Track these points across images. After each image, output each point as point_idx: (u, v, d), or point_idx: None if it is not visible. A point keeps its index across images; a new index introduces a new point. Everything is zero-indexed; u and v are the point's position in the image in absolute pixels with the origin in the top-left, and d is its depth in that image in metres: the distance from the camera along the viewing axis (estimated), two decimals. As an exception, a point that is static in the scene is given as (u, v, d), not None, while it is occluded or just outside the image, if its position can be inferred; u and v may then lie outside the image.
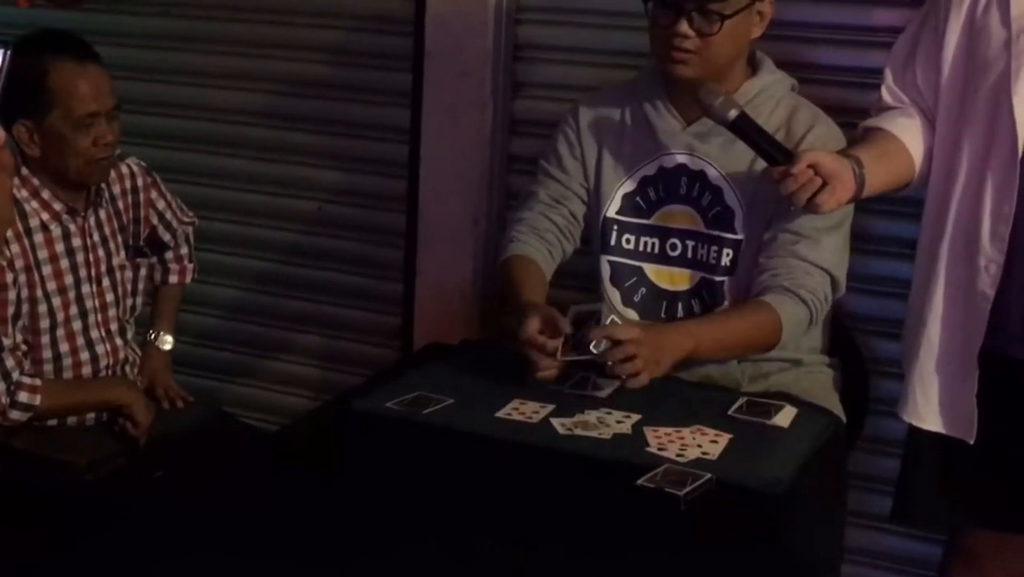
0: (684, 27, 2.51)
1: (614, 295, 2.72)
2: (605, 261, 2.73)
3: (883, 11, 2.90)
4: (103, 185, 2.81)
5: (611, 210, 2.71)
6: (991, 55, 2.35)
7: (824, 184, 2.37)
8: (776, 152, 2.43)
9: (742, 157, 2.59)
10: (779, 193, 2.41)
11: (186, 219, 3.06)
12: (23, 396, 2.61)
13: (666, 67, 2.58)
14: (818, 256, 2.56)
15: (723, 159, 2.62)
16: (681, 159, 2.65)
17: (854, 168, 2.41)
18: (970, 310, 2.39)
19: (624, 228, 2.71)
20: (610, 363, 2.34)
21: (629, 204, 2.70)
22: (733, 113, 2.44)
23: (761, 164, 2.51)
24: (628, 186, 2.71)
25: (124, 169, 2.89)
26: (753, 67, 2.67)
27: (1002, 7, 2.34)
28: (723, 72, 2.58)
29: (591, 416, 2.38)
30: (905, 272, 2.71)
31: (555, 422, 2.35)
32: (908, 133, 2.51)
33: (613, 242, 2.71)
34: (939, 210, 2.45)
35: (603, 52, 3.21)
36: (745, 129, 2.45)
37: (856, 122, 2.64)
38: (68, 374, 2.75)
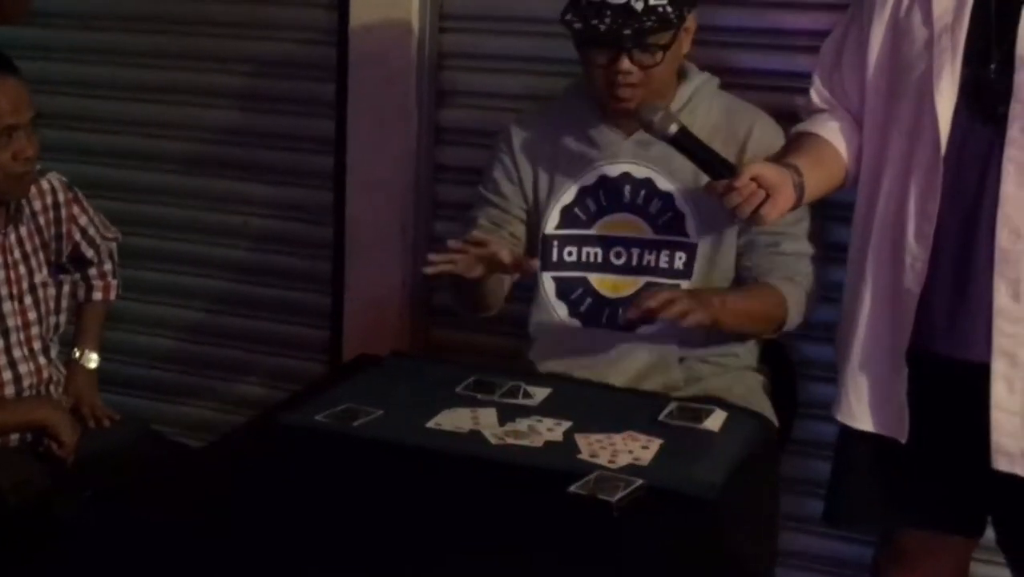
0: (626, 64, 2.54)
1: (561, 309, 2.72)
2: (548, 278, 2.73)
3: (811, 15, 2.92)
4: (23, 201, 2.77)
5: (550, 226, 2.72)
6: (914, 55, 2.37)
7: (767, 196, 2.40)
8: (718, 165, 2.45)
9: (685, 161, 2.58)
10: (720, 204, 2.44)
11: (109, 235, 3.02)
12: (-56, 418, 2.57)
13: (608, 104, 2.61)
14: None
15: (669, 165, 2.64)
16: (625, 167, 2.67)
17: (793, 178, 2.45)
18: (897, 308, 2.41)
19: (565, 241, 2.71)
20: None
21: (568, 217, 2.71)
22: (673, 128, 2.46)
23: None
24: (566, 199, 2.71)
25: (45, 185, 2.84)
26: (680, 74, 2.69)
27: (924, 8, 2.37)
28: (663, 90, 2.61)
29: (522, 424, 2.37)
30: (834, 276, 2.72)
31: (486, 431, 2.34)
32: (838, 136, 2.54)
33: (555, 257, 2.71)
34: (867, 210, 2.48)
35: (528, 60, 3.21)
36: (686, 144, 2.47)
37: (786, 127, 2.67)
38: (-10, 394, 2.70)
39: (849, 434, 2.54)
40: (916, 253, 2.37)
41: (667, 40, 2.54)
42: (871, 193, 2.47)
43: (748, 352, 2.73)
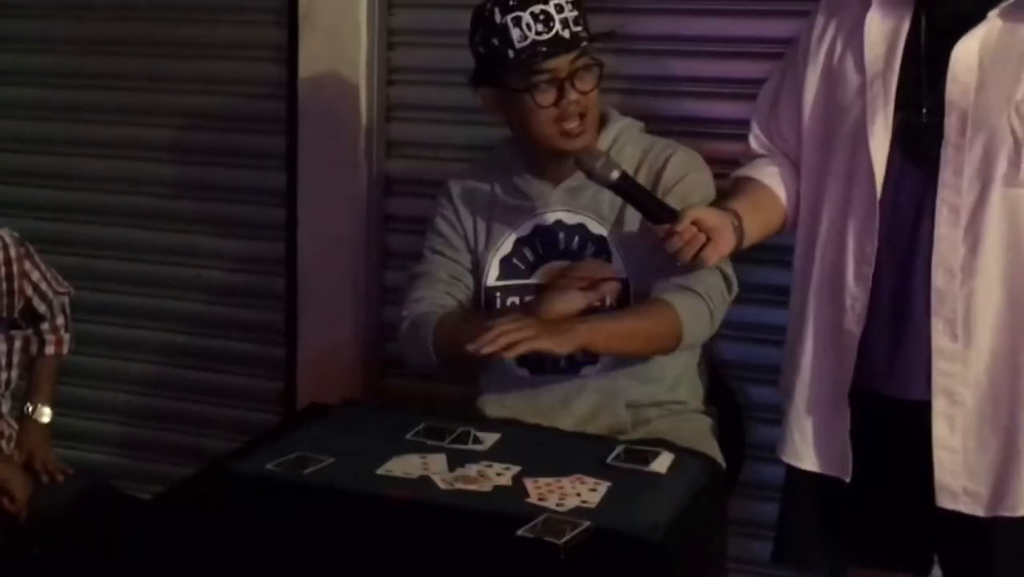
0: (572, 94, 2.57)
1: (507, 359, 2.74)
2: None
3: (749, 63, 2.97)
4: (-26, 258, 2.78)
5: (491, 279, 2.74)
6: (847, 101, 2.41)
7: (708, 240, 2.43)
8: (658, 210, 2.48)
9: (614, 202, 2.64)
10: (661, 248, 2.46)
11: (61, 289, 3.03)
12: None
13: (562, 144, 2.62)
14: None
15: (598, 209, 2.67)
16: (557, 215, 2.70)
17: (732, 221, 2.47)
18: (839, 348, 2.44)
19: (507, 292, 2.73)
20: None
21: (507, 268, 2.73)
22: (615, 174, 2.48)
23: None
24: (504, 250, 2.74)
25: (-4, 240, 2.86)
26: (602, 119, 2.72)
27: (856, 54, 2.41)
28: (595, 128, 2.64)
29: (471, 469, 2.38)
30: (777, 318, 2.75)
31: (435, 477, 2.35)
32: (776, 180, 2.58)
33: (498, 307, 2.73)
34: (807, 253, 2.51)
35: (475, 111, 3.21)
36: (627, 189, 2.50)
37: (727, 173, 2.71)
38: (-58, 450, 2.70)
39: (795, 474, 2.55)
40: (856, 295, 2.40)
41: (594, 59, 2.59)
42: (810, 236, 2.50)
43: (693, 395, 2.76)
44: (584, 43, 2.57)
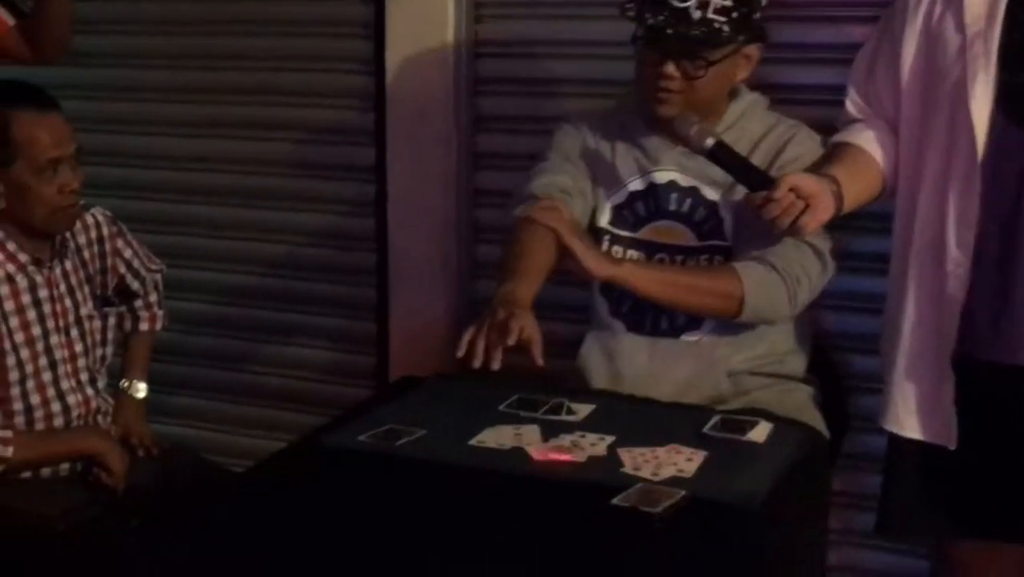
0: (670, 69, 2.55)
1: (602, 305, 2.72)
2: None
3: (850, 28, 2.91)
4: (68, 235, 2.79)
5: (603, 220, 2.72)
6: (947, 62, 2.36)
7: (805, 206, 2.39)
8: (755, 177, 2.46)
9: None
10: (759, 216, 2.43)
11: (154, 267, 3.04)
12: (-7, 449, 2.59)
13: (650, 104, 2.61)
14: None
15: (712, 174, 2.63)
16: (672, 176, 2.68)
17: (831, 187, 2.44)
18: (941, 315, 2.40)
19: (614, 240, 2.71)
20: None
21: (618, 217, 2.72)
22: (710, 142, 2.46)
23: None
24: (617, 199, 2.72)
25: (89, 219, 2.87)
26: (731, 93, 2.69)
27: (956, 14, 2.36)
28: (708, 107, 2.61)
29: (565, 440, 2.36)
30: (878, 287, 2.71)
31: (529, 448, 2.33)
32: (875, 145, 2.54)
33: (604, 250, 2.70)
34: (907, 219, 2.46)
35: (564, 83, 3.23)
36: (722, 157, 2.48)
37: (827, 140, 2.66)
38: (40, 425, 2.72)
39: (898, 443, 2.52)
40: (958, 259, 2.36)
41: (716, 57, 2.54)
42: (910, 201, 2.46)
43: (796, 365, 2.71)
44: (700, 33, 2.52)
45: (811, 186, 2.42)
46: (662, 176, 2.68)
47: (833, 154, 2.58)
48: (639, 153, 2.70)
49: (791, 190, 2.40)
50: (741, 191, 2.60)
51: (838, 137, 2.60)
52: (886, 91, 2.51)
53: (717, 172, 2.61)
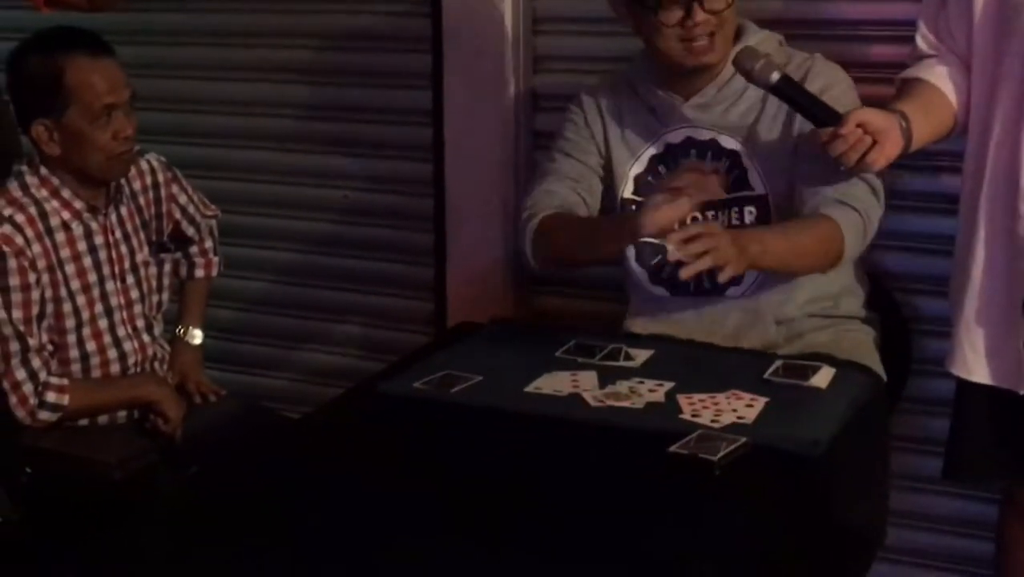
0: (700, 15, 2.49)
1: (641, 275, 2.69)
2: None
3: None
4: (123, 182, 2.79)
5: (626, 191, 2.69)
6: (1023, -3, 2.29)
7: (874, 142, 2.34)
8: (822, 113, 2.40)
9: (745, 117, 2.58)
10: (795, 142, 2.41)
11: (209, 212, 3.04)
12: (51, 396, 2.60)
13: (687, 61, 2.55)
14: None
15: (729, 123, 2.59)
16: (686, 133, 2.63)
17: (900, 123, 2.39)
18: (1012, 256, 2.35)
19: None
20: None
21: (642, 184, 2.68)
22: (775, 76, 2.41)
23: (765, 117, 2.52)
24: (638, 168, 2.68)
25: (144, 165, 2.87)
26: (737, 33, 2.63)
27: (1032, -58, 2.28)
28: (729, 48, 2.55)
29: (622, 386, 2.33)
30: (945, 228, 2.66)
31: (586, 394, 2.30)
32: (946, 81, 2.47)
33: None
34: (978, 158, 2.41)
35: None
36: (788, 91, 2.42)
37: (891, 77, 2.60)
38: (96, 373, 2.73)
39: (966, 388, 2.48)
40: (1031, 201, 2.30)
41: None
42: (982, 140, 2.40)
43: (850, 305, 2.66)
44: None
45: (879, 121, 2.36)
46: (677, 135, 2.64)
47: (902, 90, 2.52)
48: (651, 116, 2.66)
49: (859, 125, 2.34)
50: (763, 137, 2.56)
51: (907, 73, 2.54)
52: (958, 25, 2.44)
53: (733, 122, 2.58)
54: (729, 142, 2.60)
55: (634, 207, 2.65)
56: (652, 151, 2.67)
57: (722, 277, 2.30)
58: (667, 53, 2.56)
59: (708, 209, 2.59)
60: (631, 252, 2.67)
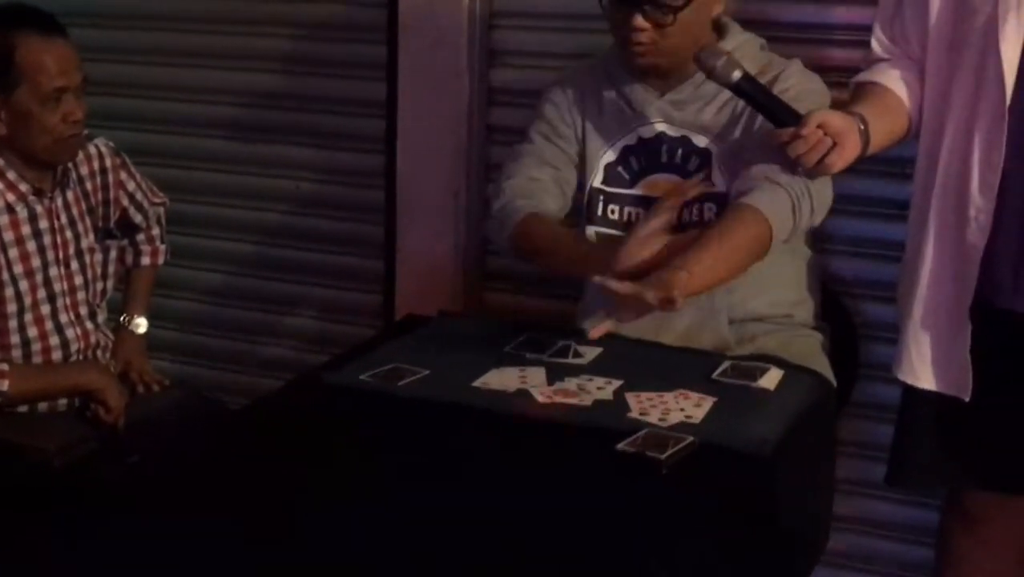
0: (639, 21, 2.48)
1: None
2: (592, 231, 2.67)
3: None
4: (70, 166, 2.75)
5: (596, 180, 2.67)
6: (978, 1, 2.29)
7: (833, 144, 2.34)
8: (782, 112, 2.39)
9: (718, 117, 2.57)
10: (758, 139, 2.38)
11: (157, 200, 3.00)
12: (-10, 381, 2.56)
13: (626, 58, 2.56)
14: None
15: (701, 122, 2.58)
16: (659, 128, 2.62)
17: (859, 126, 2.38)
18: (961, 262, 2.35)
19: (609, 198, 2.66)
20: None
21: (612, 174, 2.66)
22: (737, 75, 2.39)
23: (736, 117, 2.50)
24: (609, 156, 2.66)
25: (92, 150, 2.83)
26: (720, 31, 2.62)
27: (989, -49, 2.28)
28: (686, 54, 2.52)
29: (571, 383, 2.32)
30: (896, 234, 2.66)
31: (534, 390, 2.28)
32: (900, 85, 2.47)
33: (599, 212, 2.66)
34: (929, 162, 2.41)
35: (580, 17, 3.14)
36: (749, 91, 2.41)
37: (846, 81, 2.61)
38: (38, 359, 2.69)
39: (911, 394, 2.48)
40: (980, 205, 2.31)
41: (681, 2, 2.47)
42: (933, 144, 2.40)
43: (801, 310, 2.65)
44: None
45: (839, 123, 2.35)
46: (650, 129, 2.62)
47: (858, 93, 2.52)
48: (627, 107, 2.64)
49: (819, 126, 2.34)
50: (732, 136, 2.55)
51: (863, 76, 2.54)
52: (913, 30, 2.45)
53: (706, 121, 2.57)
54: (701, 140, 2.59)
55: (601, 197, 2.65)
56: (625, 141, 2.65)
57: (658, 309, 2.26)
58: (615, 40, 2.58)
59: None
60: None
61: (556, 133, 2.70)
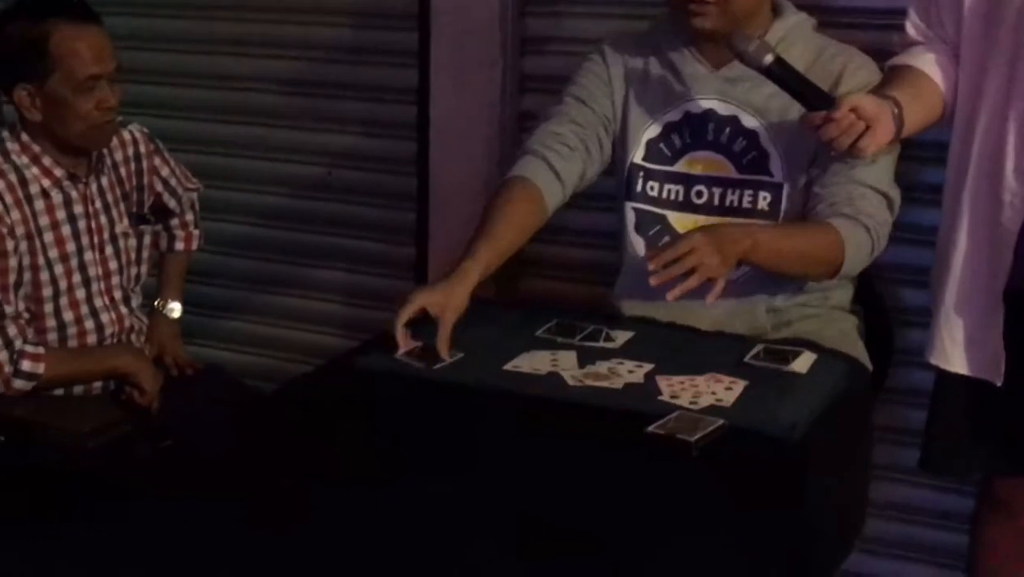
0: None
1: (638, 243, 2.66)
2: (630, 208, 2.67)
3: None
4: (105, 152, 2.77)
5: (637, 156, 2.66)
6: (1015, -18, 2.28)
7: (866, 128, 2.32)
8: (815, 97, 2.38)
9: (775, 99, 2.53)
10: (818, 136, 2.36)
11: (191, 185, 3.01)
12: (26, 365, 2.58)
13: (685, 19, 2.53)
14: (875, 178, 2.48)
15: (755, 102, 2.56)
16: (710, 104, 2.60)
17: (892, 109, 2.36)
18: (994, 246, 2.34)
19: (649, 175, 2.65)
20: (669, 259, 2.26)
21: (653, 150, 2.65)
22: (769, 59, 2.38)
23: (792, 103, 2.46)
24: (652, 132, 2.65)
25: (126, 136, 2.84)
26: (775, 10, 2.61)
27: (1024, -72, 2.27)
28: (746, 21, 2.52)
29: (602, 367, 2.31)
30: (929, 219, 2.65)
31: (565, 374, 2.28)
32: (935, 68, 2.46)
33: (638, 188, 2.65)
34: (963, 145, 2.40)
35: (613, 3, 3.15)
36: (781, 75, 2.40)
37: (880, 65, 2.59)
38: (73, 343, 2.71)
39: (944, 378, 2.47)
40: (1015, 189, 2.30)
41: None
42: (967, 128, 2.39)
43: (841, 293, 2.64)
44: None
45: (872, 107, 2.34)
46: (701, 104, 2.60)
47: (893, 76, 2.50)
48: (675, 80, 2.62)
49: (852, 110, 2.32)
50: (790, 124, 2.53)
51: (897, 60, 2.52)
52: (948, 13, 2.43)
53: (760, 101, 2.55)
54: (750, 121, 2.57)
55: (640, 174, 2.64)
56: (669, 117, 2.63)
57: (707, 278, 2.28)
58: (675, 11, 2.55)
59: (716, 186, 2.59)
60: (631, 220, 2.66)
61: (590, 96, 2.68)
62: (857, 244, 2.45)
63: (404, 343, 2.36)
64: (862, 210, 2.46)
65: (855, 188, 2.47)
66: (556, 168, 2.60)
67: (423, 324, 2.51)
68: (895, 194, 2.53)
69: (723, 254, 2.28)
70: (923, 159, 2.81)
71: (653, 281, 2.27)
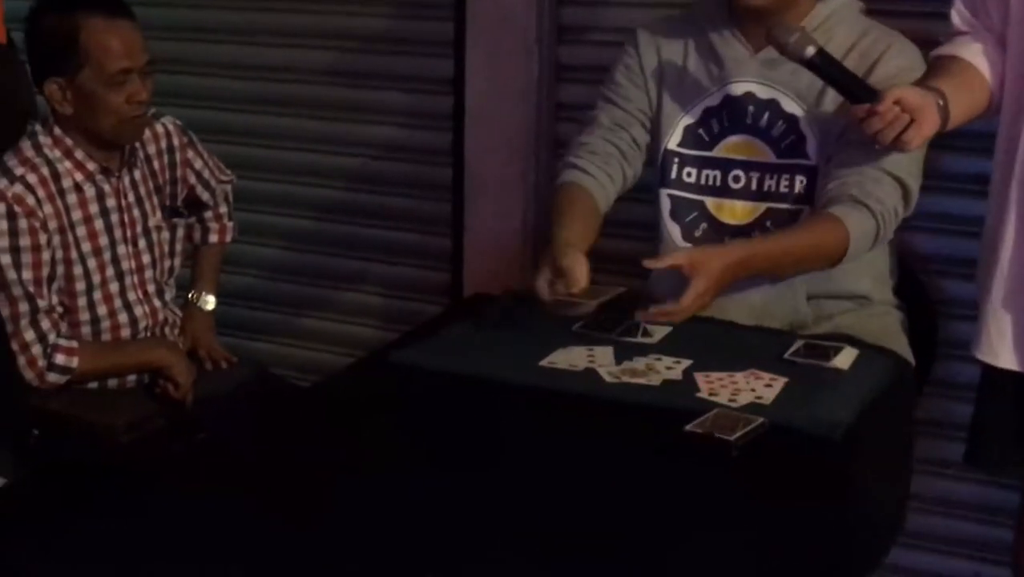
0: None
1: (674, 230, 2.62)
2: (665, 195, 2.63)
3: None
4: (137, 145, 2.76)
5: (672, 142, 2.62)
6: (1062, -32, 2.24)
7: (911, 121, 2.29)
8: (858, 89, 2.34)
9: (813, 83, 2.49)
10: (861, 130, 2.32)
11: (224, 178, 3.00)
12: (60, 358, 2.58)
13: (735, 3, 2.50)
14: (893, 163, 2.42)
15: (796, 85, 2.52)
16: (750, 87, 2.56)
17: (937, 101, 2.32)
18: (1042, 240, 2.29)
19: (685, 161, 2.61)
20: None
21: (691, 136, 2.61)
22: (811, 51, 2.34)
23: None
24: (690, 118, 2.61)
25: (159, 129, 2.83)
26: None
27: (1074, -86, 2.22)
28: (788, 4, 2.48)
29: (639, 363, 2.29)
30: (977, 210, 2.59)
31: (601, 370, 2.26)
32: (981, 58, 2.41)
33: (674, 175, 2.62)
34: (1010, 137, 2.35)
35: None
36: (823, 67, 2.36)
37: (926, 54, 2.54)
38: (107, 336, 2.71)
39: (990, 373, 2.43)
40: (1063, 182, 2.25)
41: None
42: (1015, 119, 2.34)
43: (880, 289, 2.60)
44: None
45: (917, 99, 2.30)
46: (739, 88, 2.56)
47: (938, 67, 2.46)
48: (714, 63, 2.58)
49: (896, 103, 2.28)
50: (828, 107, 2.49)
51: (942, 50, 2.47)
52: (994, 2, 2.38)
53: (801, 85, 2.51)
54: (791, 105, 2.53)
55: (676, 160, 2.61)
56: (708, 102, 2.59)
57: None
58: None
59: (754, 171, 2.54)
60: (666, 207, 2.62)
61: (622, 95, 2.65)
62: (862, 232, 2.39)
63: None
64: (871, 194, 2.41)
65: (871, 171, 2.42)
66: (598, 177, 2.60)
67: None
68: (913, 183, 2.46)
69: (700, 303, 2.26)
70: (968, 149, 2.77)
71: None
